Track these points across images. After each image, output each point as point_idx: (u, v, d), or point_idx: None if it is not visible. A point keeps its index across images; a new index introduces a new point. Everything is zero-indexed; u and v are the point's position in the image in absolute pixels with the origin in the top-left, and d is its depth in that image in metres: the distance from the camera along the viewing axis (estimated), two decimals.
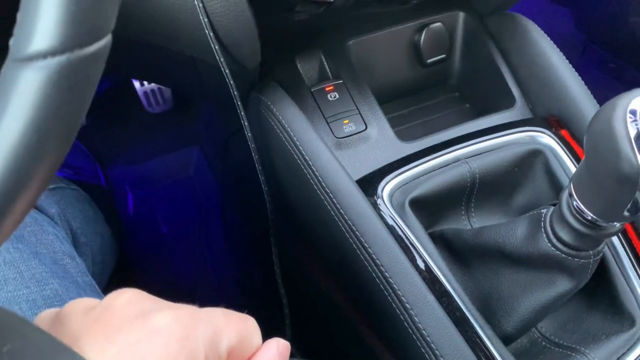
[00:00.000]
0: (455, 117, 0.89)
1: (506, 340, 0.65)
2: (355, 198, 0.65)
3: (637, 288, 0.66)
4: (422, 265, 0.64)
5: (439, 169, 0.72)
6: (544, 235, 0.57)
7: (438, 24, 0.86)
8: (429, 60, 0.88)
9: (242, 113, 0.70)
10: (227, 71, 0.65)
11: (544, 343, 0.67)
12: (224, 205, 1.42)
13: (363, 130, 0.75)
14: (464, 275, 0.69)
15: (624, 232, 0.68)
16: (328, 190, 0.66)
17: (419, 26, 0.86)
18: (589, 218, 0.51)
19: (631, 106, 0.44)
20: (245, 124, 0.71)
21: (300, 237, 0.81)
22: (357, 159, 0.73)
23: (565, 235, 0.55)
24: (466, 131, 0.76)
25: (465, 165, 0.71)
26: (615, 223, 0.51)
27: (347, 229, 0.64)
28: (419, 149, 0.74)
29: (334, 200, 0.65)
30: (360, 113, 0.76)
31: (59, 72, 0.28)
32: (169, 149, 1.52)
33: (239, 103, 0.69)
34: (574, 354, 0.63)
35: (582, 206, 0.51)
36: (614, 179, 0.45)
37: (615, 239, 0.68)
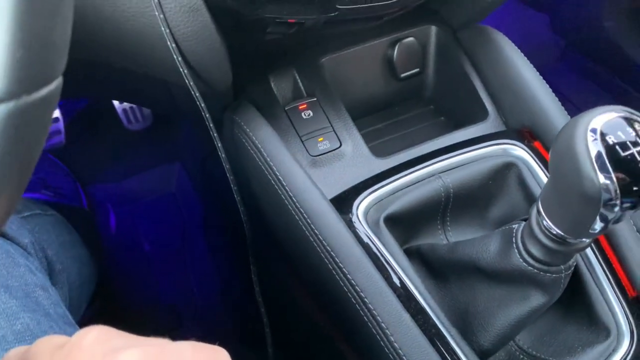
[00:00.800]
0: (430, 130, 0.89)
1: (483, 355, 0.65)
2: (329, 218, 0.65)
3: (611, 299, 0.66)
4: (397, 283, 0.64)
5: (413, 184, 0.72)
6: (516, 251, 0.57)
7: (411, 39, 0.86)
8: (402, 75, 0.88)
9: (215, 134, 0.70)
10: (197, 94, 0.65)
11: (521, 356, 0.68)
12: (206, 221, 1.42)
13: (337, 148, 0.75)
14: (440, 290, 0.70)
15: (596, 242, 0.69)
16: (302, 211, 0.66)
17: (392, 41, 0.86)
18: (558, 235, 0.52)
19: (592, 125, 0.45)
20: (219, 145, 0.71)
21: (279, 256, 0.81)
22: (332, 177, 0.73)
23: (536, 251, 0.56)
24: (440, 145, 0.77)
25: (439, 180, 0.72)
26: (583, 239, 0.52)
27: (322, 249, 0.64)
28: (394, 165, 0.74)
29: (308, 220, 0.65)
30: (334, 130, 0.76)
31: (6, 118, 0.27)
32: (150, 165, 1.52)
33: (211, 125, 0.69)
34: None
35: (550, 223, 0.51)
36: (577, 197, 0.46)
37: (588, 250, 0.68)
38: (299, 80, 0.80)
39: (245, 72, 0.79)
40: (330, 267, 0.64)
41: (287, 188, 0.67)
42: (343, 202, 0.70)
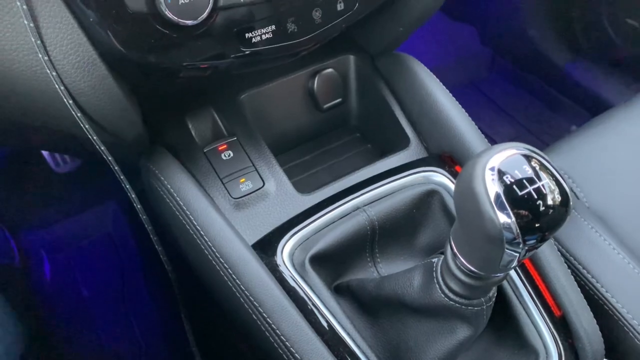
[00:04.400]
0: (357, 159, 0.89)
1: None
2: (250, 266, 0.63)
3: (538, 321, 0.67)
4: (325, 326, 0.63)
5: (337, 220, 0.71)
6: (437, 286, 0.57)
7: (330, 70, 0.86)
8: (325, 106, 0.88)
9: (128, 186, 0.67)
10: (102, 148, 0.62)
11: None
12: (145, 260, 1.37)
13: (260, 188, 0.74)
14: (372, 327, 0.69)
15: (521, 266, 0.70)
16: (222, 260, 0.64)
17: (311, 73, 0.86)
18: (472, 271, 0.51)
19: (490, 164, 0.45)
20: (132, 196, 0.68)
21: (211, 301, 0.79)
22: (256, 219, 0.72)
23: (455, 286, 0.55)
24: (364, 177, 0.76)
25: (363, 213, 0.71)
26: (499, 274, 0.52)
27: (245, 299, 0.62)
28: (318, 201, 0.73)
29: (229, 270, 0.63)
30: (256, 169, 0.75)
31: None
32: (84, 207, 1.46)
33: (121, 177, 0.66)
34: None
35: (463, 260, 0.51)
36: (481, 237, 0.46)
37: (514, 274, 0.69)
38: (218, 120, 0.79)
39: (161, 116, 0.77)
40: (255, 317, 0.62)
41: (205, 238, 0.65)
42: (268, 245, 0.68)
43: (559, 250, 0.78)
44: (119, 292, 1.38)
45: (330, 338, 0.62)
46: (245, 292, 0.62)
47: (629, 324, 0.71)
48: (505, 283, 0.68)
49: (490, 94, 1.90)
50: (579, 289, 0.68)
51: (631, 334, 0.71)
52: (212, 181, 0.73)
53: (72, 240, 1.44)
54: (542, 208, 0.43)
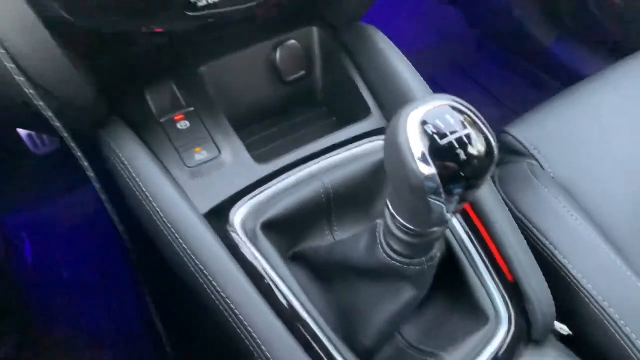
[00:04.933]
0: (322, 132, 0.88)
1: (369, 353, 0.64)
2: (197, 229, 0.63)
3: (491, 286, 0.67)
4: (276, 292, 0.63)
5: (292, 188, 0.71)
6: (379, 246, 0.57)
7: (292, 42, 0.86)
8: (289, 79, 0.87)
9: (79, 154, 0.67)
10: (49, 114, 0.62)
11: (408, 351, 0.67)
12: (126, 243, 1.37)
13: (216, 157, 0.73)
14: (326, 293, 0.69)
15: (475, 231, 0.69)
16: (170, 226, 0.64)
17: (274, 45, 0.85)
18: (408, 228, 0.51)
19: (414, 115, 0.44)
20: (85, 164, 0.68)
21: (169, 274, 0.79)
22: (211, 188, 0.71)
23: (396, 245, 0.55)
24: (322, 146, 0.76)
25: (319, 181, 0.71)
26: (434, 229, 0.51)
27: (192, 265, 0.62)
28: (274, 170, 0.73)
29: (176, 235, 0.63)
30: (212, 139, 0.75)
31: None
32: (65, 189, 1.46)
33: (72, 144, 0.66)
34: (432, 359, 0.63)
35: (398, 217, 0.51)
36: (407, 189, 0.45)
37: (466, 239, 0.69)
38: (177, 92, 0.78)
39: (120, 87, 0.77)
40: (202, 282, 0.62)
41: (154, 204, 0.65)
42: (221, 213, 0.68)
43: (516, 217, 0.78)
44: (100, 276, 1.39)
45: (278, 302, 0.62)
46: (193, 256, 0.62)
47: (584, 289, 0.71)
48: (458, 249, 0.68)
49: (476, 76, 1.89)
50: (531, 254, 0.68)
51: (587, 300, 0.71)
52: (167, 151, 0.73)
53: (54, 223, 1.45)
54: (463, 157, 0.43)
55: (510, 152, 0.92)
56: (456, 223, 0.69)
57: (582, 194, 0.83)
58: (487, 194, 0.69)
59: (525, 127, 0.92)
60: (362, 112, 0.82)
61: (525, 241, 0.69)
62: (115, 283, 1.36)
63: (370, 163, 0.73)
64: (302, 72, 0.88)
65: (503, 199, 0.80)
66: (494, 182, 0.85)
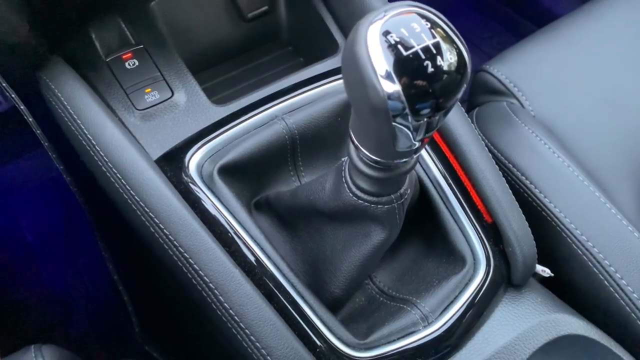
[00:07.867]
0: (287, 73, 0.82)
1: (337, 302, 0.60)
2: (147, 177, 0.57)
3: (467, 228, 0.62)
4: (233, 237, 0.57)
5: (252, 130, 0.65)
6: (345, 185, 0.52)
7: None
8: (250, 15, 0.80)
9: (14, 95, 0.61)
10: None
11: (381, 298, 0.63)
12: (89, 203, 1.31)
13: (169, 98, 0.67)
14: (292, 240, 0.64)
15: (450, 170, 0.64)
16: (115, 171, 0.58)
17: None
18: (373, 160, 0.46)
19: (375, 25, 0.38)
20: (21, 107, 0.62)
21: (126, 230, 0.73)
22: (163, 131, 0.65)
23: (362, 182, 0.50)
24: (285, 85, 0.70)
25: (282, 122, 0.65)
26: (402, 160, 0.46)
27: (141, 211, 0.57)
28: (233, 111, 0.67)
29: (122, 180, 0.58)
30: (165, 79, 0.68)
31: None
32: (26, 149, 1.38)
33: (4, 84, 0.60)
34: (405, 306, 0.59)
35: (362, 148, 0.46)
36: (368, 112, 0.40)
37: (439, 176, 0.64)
38: (125, 28, 0.71)
39: (61, 24, 0.69)
40: (152, 230, 0.56)
41: (97, 147, 0.59)
42: (174, 158, 0.63)
43: (495, 157, 0.73)
44: (64, 237, 1.33)
45: (236, 249, 0.57)
46: (140, 202, 0.56)
47: (567, 228, 0.67)
48: (432, 189, 0.63)
49: (455, 23, 1.82)
50: (511, 193, 0.64)
51: (569, 240, 0.67)
52: (115, 92, 0.66)
53: (15, 184, 1.38)
54: (430, 69, 0.37)
55: (489, 91, 0.86)
56: (429, 161, 0.64)
57: (565, 132, 0.79)
58: (462, 128, 0.64)
59: (503, 65, 0.86)
60: (330, 48, 0.76)
61: (504, 179, 0.64)
62: (82, 245, 1.30)
63: (338, 101, 0.67)
64: (265, 7, 0.81)
65: (481, 139, 0.75)
66: (472, 122, 0.80)
